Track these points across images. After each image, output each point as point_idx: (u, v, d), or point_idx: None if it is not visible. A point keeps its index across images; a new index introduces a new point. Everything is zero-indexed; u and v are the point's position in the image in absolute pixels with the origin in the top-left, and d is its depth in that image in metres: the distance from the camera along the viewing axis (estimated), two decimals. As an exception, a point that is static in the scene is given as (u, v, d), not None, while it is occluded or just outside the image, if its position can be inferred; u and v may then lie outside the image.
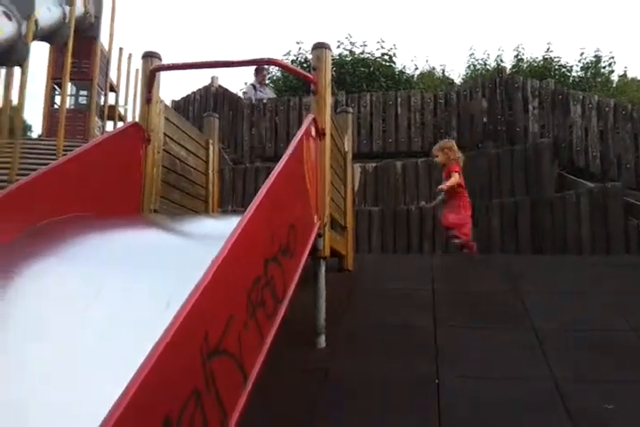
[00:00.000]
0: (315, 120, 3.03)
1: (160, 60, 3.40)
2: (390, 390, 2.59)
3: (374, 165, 7.56)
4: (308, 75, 3.26)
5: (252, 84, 9.11)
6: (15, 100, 8.80)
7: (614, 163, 6.70)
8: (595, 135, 6.89)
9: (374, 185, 7.47)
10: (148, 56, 3.35)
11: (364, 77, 10.73)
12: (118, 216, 2.93)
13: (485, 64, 13.40)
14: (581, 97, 7.17)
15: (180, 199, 3.85)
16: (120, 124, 13.48)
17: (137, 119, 3.47)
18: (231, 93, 9.50)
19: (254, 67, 8.57)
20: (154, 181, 3.37)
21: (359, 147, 7.98)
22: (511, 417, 2.36)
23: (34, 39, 8.86)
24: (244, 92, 9.26)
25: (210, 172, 4.42)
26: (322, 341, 3.07)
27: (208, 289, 1.50)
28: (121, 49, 12.44)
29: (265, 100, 8.54)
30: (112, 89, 13.49)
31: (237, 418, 1.60)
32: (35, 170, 6.98)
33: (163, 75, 3.39)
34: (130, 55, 12.35)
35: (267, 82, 9.56)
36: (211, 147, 4.47)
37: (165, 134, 3.58)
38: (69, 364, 1.64)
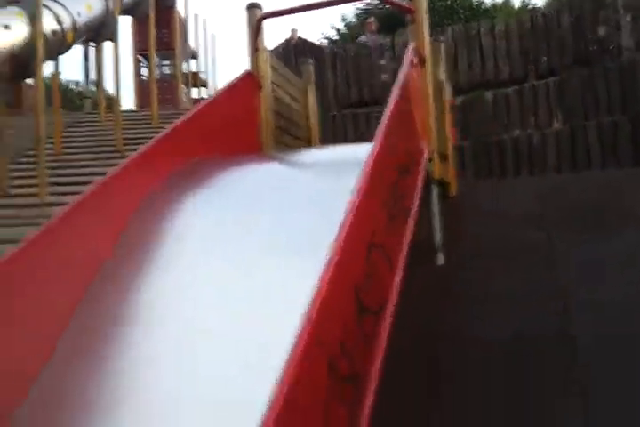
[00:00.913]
0: (415, 48, 3.20)
1: (261, 10, 3.63)
2: (506, 298, 2.81)
3: (461, 98, 7.54)
4: (405, 5, 3.41)
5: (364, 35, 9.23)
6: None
7: None
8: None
9: (463, 119, 7.48)
10: (252, 7, 3.60)
11: (443, 11, 10.52)
12: (244, 156, 3.26)
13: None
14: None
15: (287, 141, 4.15)
16: (204, 90, 13.96)
17: (218, 82, 3.73)
18: (312, 43, 9.65)
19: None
20: (268, 123, 3.68)
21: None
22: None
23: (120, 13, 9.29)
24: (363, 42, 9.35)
25: (310, 115, 4.69)
26: (440, 257, 3.32)
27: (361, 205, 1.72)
28: (196, 15, 12.67)
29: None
30: (192, 56, 13.91)
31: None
32: (136, 139, 7.51)
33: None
34: (204, 21, 12.58)
35: (373, 29, 9.58)
36: (309, 92, 4.71)
37: (272, 81, 3.85)
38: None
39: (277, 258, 1.97)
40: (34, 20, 6.90)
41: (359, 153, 2.08)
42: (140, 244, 2.33)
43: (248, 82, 3.53)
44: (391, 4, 4.82)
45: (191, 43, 13.31)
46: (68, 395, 1.63)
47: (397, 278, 1.95)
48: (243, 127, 3.46)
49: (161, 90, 12.35)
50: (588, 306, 2.63)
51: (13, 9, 7.20)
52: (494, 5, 13.64)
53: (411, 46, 3.24)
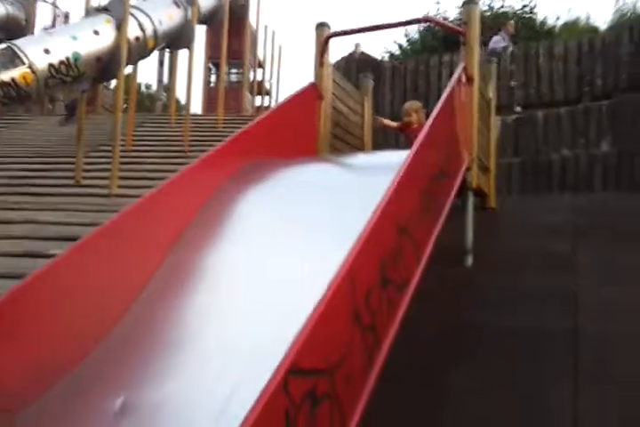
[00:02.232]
0: (465, 68, 3.57)
1: (329, 28, 4.08)
2: (526, 298, 3.12)
3: (514, 117, 7.80)
4: (458, 28, 3.79)
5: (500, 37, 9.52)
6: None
7: None
8: None
9: (514, 137, 7.72)
10: (321, 26, 4.05)
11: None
12: (301, 158, 3.68)
13: (634, 8, 12.72)
14: None
15: (341, 148, 4.57)
16: (267, 99, 14.55)
17: (279, 93, 4.15)
18: (373, 58, 10.08)
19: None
20: (326, 131, 4.10)
21: (499, 101, 8.21)
22: None
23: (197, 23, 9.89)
24: (495, 41, 9.61)
25: (365, 125, 5.09)
26: (469, 259, 3.65)
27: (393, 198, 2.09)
28: (266, 27, 13.18)
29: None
30: (259, 65, 14.51)
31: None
32: (202, 141, 8.01)
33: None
34: (273, 32, 13.10)
35: (511, 31, 9.85)
36: (365, 104, 5.13)
37: (333, 93, 4.28)
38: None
39: (318, 238, 2.38)
40: (120, 26, 7.60)
41: (400, 158, 2.45)
42: (207, 226, 2.78)
43: (311, 92, 3.97)
44: (446, 28, 5.20)
45: (259, 53, 13.91)
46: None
47: (420, 266, 2.32)
48: (303, 133, 3.89)
49: (227, 96, 13.04)
50: (597, 306, 2.92)
51: (103, 16, 7.90)
52: (565, 23, 13.77)
53: (461, 65, 3.62)
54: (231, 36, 11.23)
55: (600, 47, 8.02)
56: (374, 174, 2.90)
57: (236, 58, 12.40)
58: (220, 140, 8.23)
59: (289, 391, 1.31)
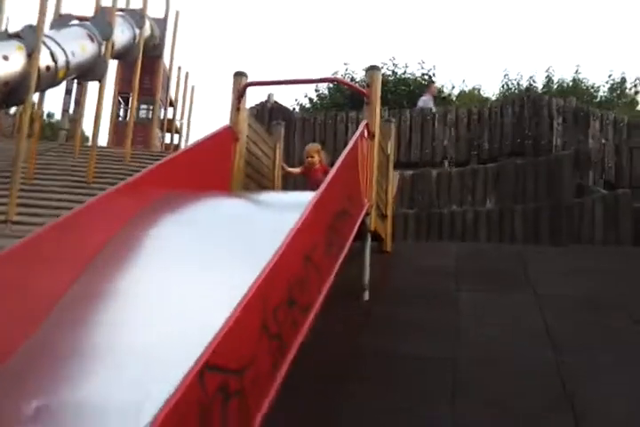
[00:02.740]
0: (367, 125, 3.99)
1: (247, 77, 4.40)
2: (413, 328, 3.47)
3: (411, 172, 8.46)
4: (363, 90, 4.23)
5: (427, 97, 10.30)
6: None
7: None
8: (610, 148, 7.67)
9: (410, 191, 8.36)
10: (239, 75, 4.37)
11: (405, 95, 11.70)
12: (215, 192, 3.90)
13: (519, 85, 14.31)
14: (600, 114, 7.97)
15: (253, 187, 4.82)
16: (176, 137, 14.67)
17: (189, 134, 4.41)
18: (285, 108, 10.59)
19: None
20: (239, 170, 4.36)
21: (398, 157, 8.90)
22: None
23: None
24: (423, 101, 10.28)
25: (275, 168, 5.40)
26: (366, 294, 3.98)
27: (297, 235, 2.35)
28: (179, 68, 13.52)
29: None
30: (170, 104, 14.69)
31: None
32: (105, 173, 7.97)
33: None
34: (187, 73, 13.45)
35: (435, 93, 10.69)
36: (277, 149, 5.45)
37: (247, 136, 4.57)
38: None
39: (232, 262, 2.59)
40: (31, 54, 7.58)
41: (307, 197, 2.75)
42: (118, 253, 2.90)
43: (227, 134, 4.23)
44: (352, 88, 5.72)
45: (171, 92, 14.11)
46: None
47: (324, 292, 2.58)
48: (218, 170, 4.12)
49: (135, 131, 13.07)
50: (473, 336, 3.31)
51: (14, 42, 7.85)
52: (461, 92, 15.15)
53: (364, 122, 4.03)
54: (144, 72, 11.37)
55: (486, 117, 8.98)
56: (284, 210, 3.17)
57: (147, 94, 12.56)
58: (126, 174, 8.25)
59: (204, 383, 1.50)
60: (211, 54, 45.60)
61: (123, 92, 13.03)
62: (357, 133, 3.72)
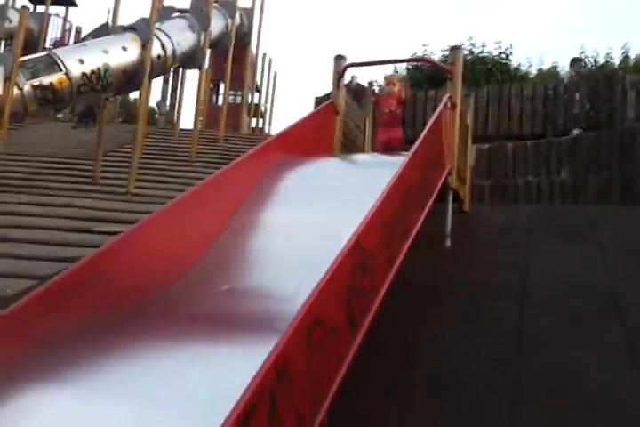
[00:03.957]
0: (450, 98, 4.70)
1: (345, 60, 5.20)
2: (489, 265, 4.19)
3: (488, 145, 9.01)
4: (447, 67, 4.97)
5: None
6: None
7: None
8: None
9: (487, 163, 8.92)
10: (339, 58, 5.18)
11: (483, 73, 12.14)
12: (322, 155, 4.74)
13: (595, 61, 14.36)
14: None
15: (348, 150, 5.65)
16: (260, 121, 15.62)
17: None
18: (367, 88, 11.31)
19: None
20: (339, 138, 5.19)
21: (476, 131, 9.44)
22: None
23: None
24: None
25: (365, 139, 6.20)
26: (448, 241, 4.71)
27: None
28: (265, 55, 14.33)
29: None
30: (256, 89, 15.63)
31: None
32: (202, 153, 8.97)
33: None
34: (270, 60, 14.25)
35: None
36: (367, 122, 6.24)
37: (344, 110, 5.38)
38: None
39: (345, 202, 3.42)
40: (145, 45, 8.62)
41: (396, 158, 3.55)
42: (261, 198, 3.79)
43: (329, 108, 5.07)
44: (438, 66, 6.42)
45: (257, 78, 15.04)
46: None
47: (419, 220, 3.37)
48: (322, 138, 4.97)
49: (226, 116, 14.08)
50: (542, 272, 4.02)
51: (129, 34, 8.93)
52: (530, 71, 15.36)
53: (447, 95, 4.75)
54: (233, 60, 12.25)
55: (562, 92, 9.35)
56: (381, 167, 3.99)
57: (236, 81, 13.46)
58: (222, 153, 9.22)
59: (354, 256, 2.29)
60: (289, 40, 46.75)
61: (213, 79, 14.02)
62: (442, 104, 4.46)
